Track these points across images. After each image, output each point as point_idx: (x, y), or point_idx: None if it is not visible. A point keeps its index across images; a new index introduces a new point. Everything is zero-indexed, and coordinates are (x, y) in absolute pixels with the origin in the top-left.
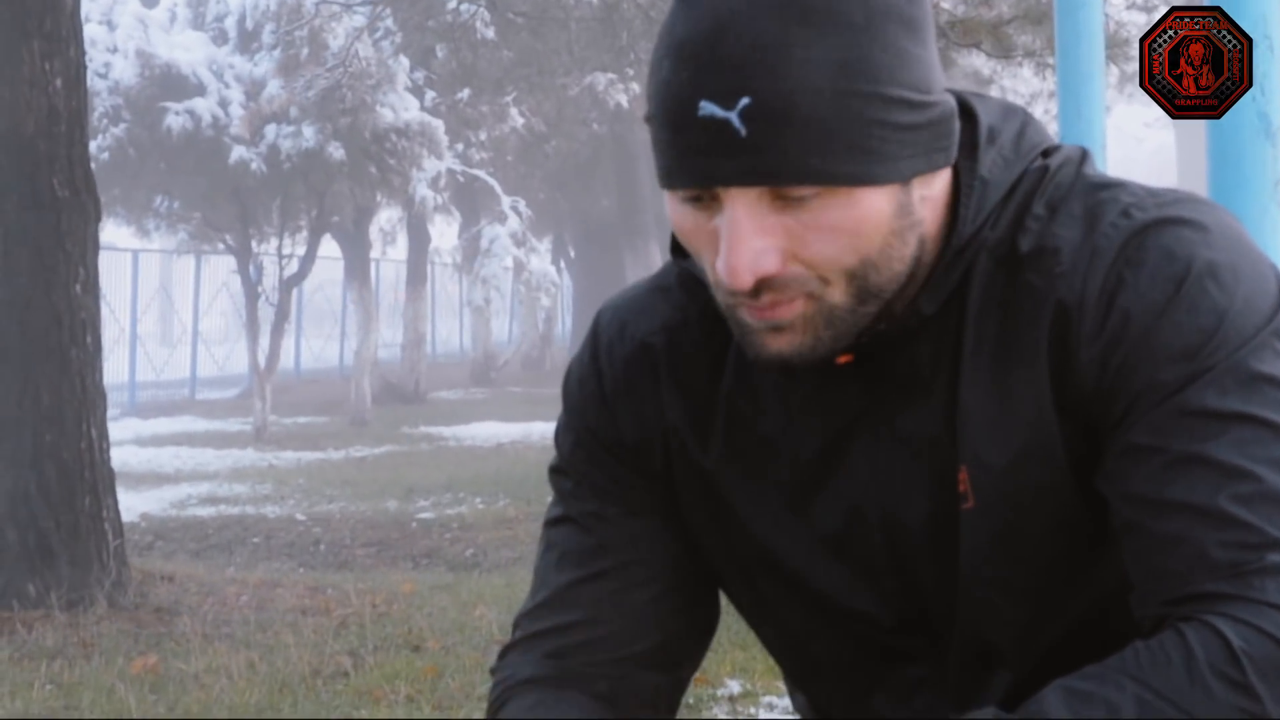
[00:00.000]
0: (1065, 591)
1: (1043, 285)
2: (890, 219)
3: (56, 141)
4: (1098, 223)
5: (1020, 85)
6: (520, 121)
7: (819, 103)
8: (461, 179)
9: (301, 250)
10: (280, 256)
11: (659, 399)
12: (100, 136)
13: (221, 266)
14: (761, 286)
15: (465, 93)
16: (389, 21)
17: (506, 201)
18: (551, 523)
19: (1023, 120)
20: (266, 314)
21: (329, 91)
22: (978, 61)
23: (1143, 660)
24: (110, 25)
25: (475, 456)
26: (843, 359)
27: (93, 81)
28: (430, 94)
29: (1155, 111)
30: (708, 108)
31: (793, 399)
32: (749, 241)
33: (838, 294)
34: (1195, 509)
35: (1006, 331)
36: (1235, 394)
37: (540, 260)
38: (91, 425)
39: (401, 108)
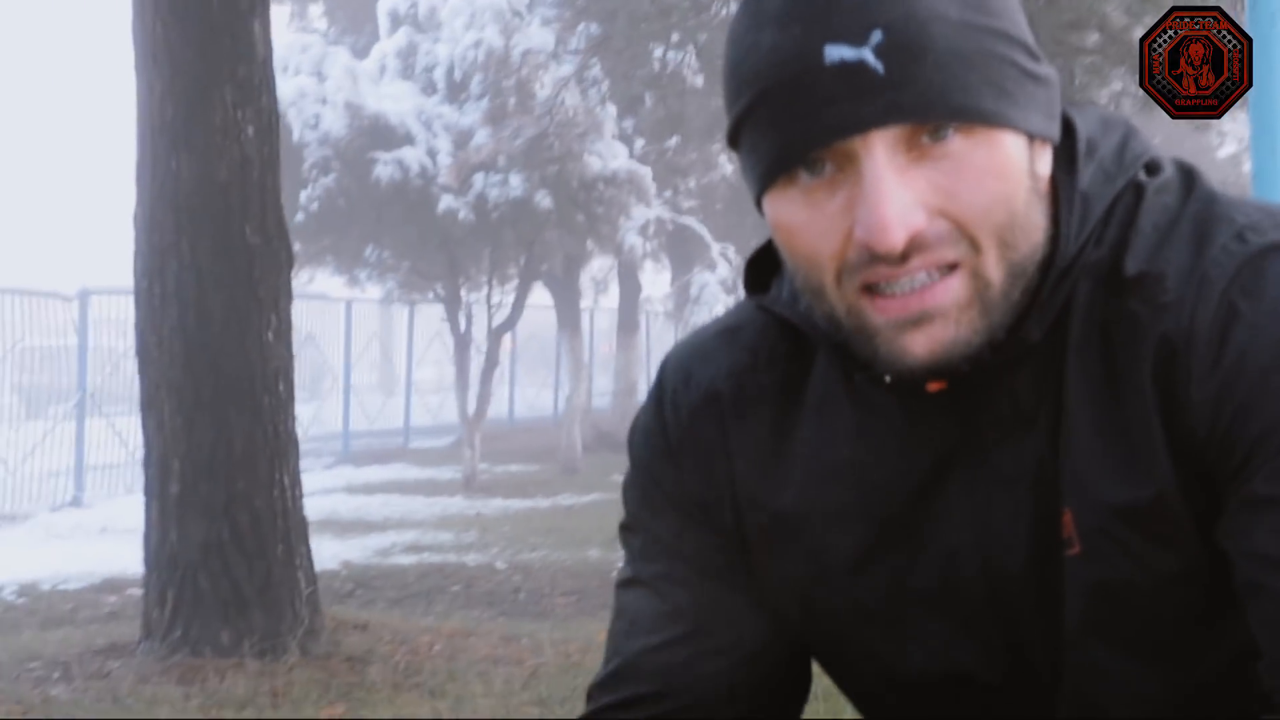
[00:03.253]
0: (1187, 652)
1: (1147, 315)
2: (1026, 174)
3: (249, 188)
4: (1208, 247)
5: (1239, 128)
6: (730, 169)
7: (953, 33)
8: (670, 227)
9: (511, 299)
10: (489, 305)
11: (728, 449)
12: (310, 187)
13: (435, 315)
14: (911, 248)
15: (674, 140)
16: (596, 70)
17: (716, 249)
18: (622, 585)
19: (1125, 131)
20: (479, 363)
21: (536, 140)
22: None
23: None
24: (320, 77)
25: None
26: (934, 386)
27: (302, 133)
28: (639, 142)
29: None
30: (835, 51)
31: (878, 437)
32: (896, 192)
33: (991, 264)
34: None
35: (1111, 363)
36: None
37: None
38: (284, 472)
39: (610, 156)
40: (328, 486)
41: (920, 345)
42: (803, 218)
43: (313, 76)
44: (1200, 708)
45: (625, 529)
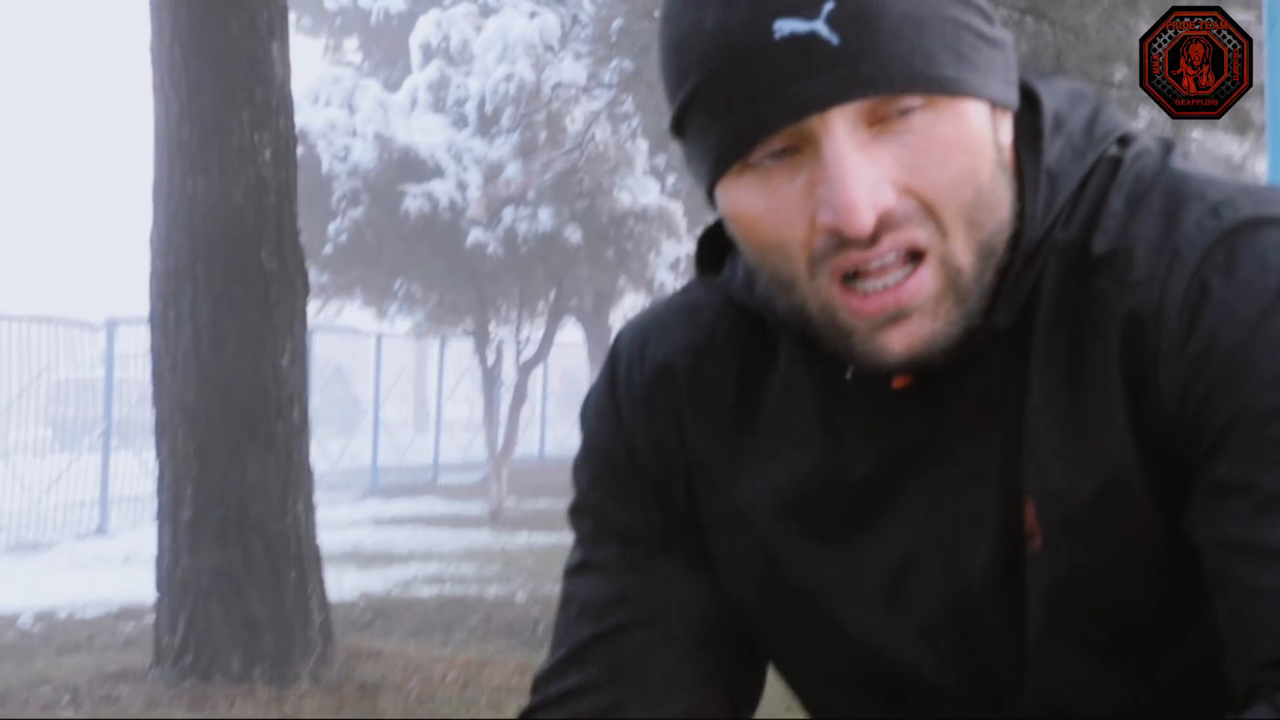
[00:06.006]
0: (1153, 650)
1: (1115, 293)
2: (991, 145)
3: (265, 213)
4: (1180, 222)
5: None
6: None
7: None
8: None
9: (540, 334)
10: (518, 340)
11: (682, 427)
12: (339, 219)
13: (466, 351)
14: (880, 228)
15: None
16: (628, 105)
17: None
18: (571, 570)
19: (1095, 105)
20: (509, 399)
21: (566, 174)
22: (1230, 147)
23: None
24: (351, 109)
25: None
26: (899, 382)
27: (332, 165)
28: (671, 178)
29: None
30: (786, 25)
31: (841, 430)
32: (862, 171)
33: (959, 248)
34: None
35: (1077, 346)
36: None
37: None
38: (298, 499)
39: (640, 191)
40: (355, 519)
41: (898, 342)
42: (763, 205)
43: (343, 108)
44: (1170, 707)
45: (575, 511)
